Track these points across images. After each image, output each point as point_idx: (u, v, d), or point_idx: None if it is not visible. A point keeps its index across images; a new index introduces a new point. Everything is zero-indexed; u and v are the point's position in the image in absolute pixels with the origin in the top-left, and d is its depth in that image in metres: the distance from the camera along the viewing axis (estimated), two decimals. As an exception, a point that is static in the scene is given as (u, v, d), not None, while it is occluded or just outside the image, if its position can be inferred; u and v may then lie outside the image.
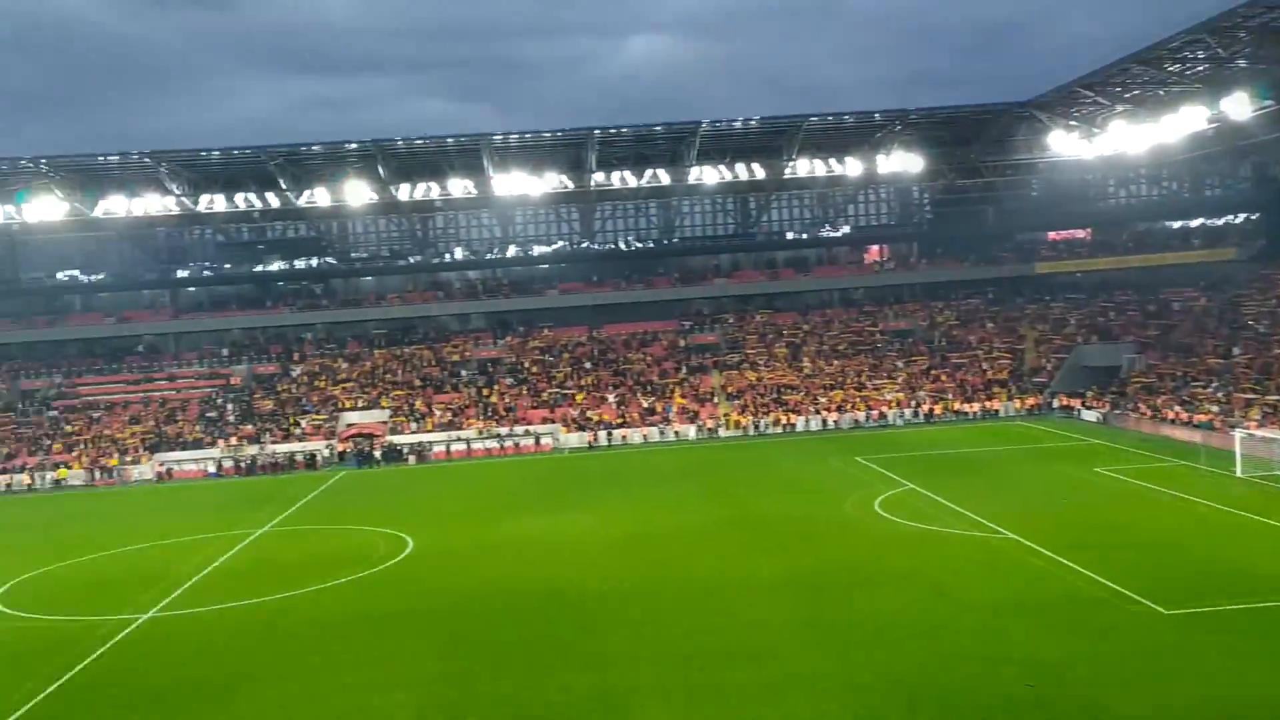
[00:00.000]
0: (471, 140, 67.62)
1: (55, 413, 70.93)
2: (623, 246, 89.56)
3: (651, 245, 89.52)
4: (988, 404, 67.84)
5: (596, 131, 66.72)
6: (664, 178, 71.51)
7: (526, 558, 34.12)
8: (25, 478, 62.34)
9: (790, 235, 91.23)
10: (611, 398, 70.22)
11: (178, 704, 22.35)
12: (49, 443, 66.69)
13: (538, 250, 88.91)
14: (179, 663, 25.23)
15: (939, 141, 72.57)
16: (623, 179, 71.36)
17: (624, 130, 67.86)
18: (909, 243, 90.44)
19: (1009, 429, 61.48)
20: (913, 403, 67.91)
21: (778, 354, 76.05)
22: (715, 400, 70.15)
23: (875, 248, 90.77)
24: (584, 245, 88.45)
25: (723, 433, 66.15)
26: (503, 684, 22.08)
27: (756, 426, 66.44)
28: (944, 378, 71.39)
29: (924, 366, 73.22)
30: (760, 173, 71.23)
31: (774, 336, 78.75)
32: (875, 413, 66.94)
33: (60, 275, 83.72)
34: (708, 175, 71.07)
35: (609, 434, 65.41)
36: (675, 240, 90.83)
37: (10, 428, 69.02)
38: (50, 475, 62.49)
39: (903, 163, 71.13)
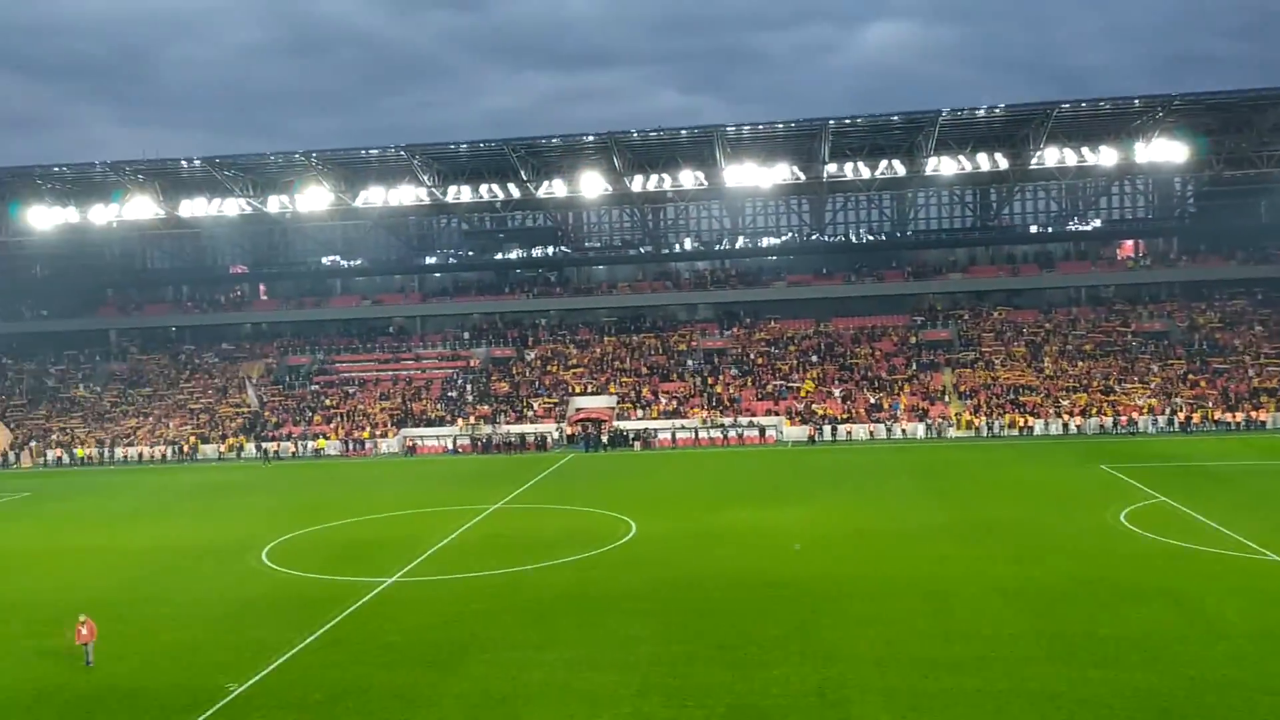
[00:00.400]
0: (704, 132, 68.09)
1: (316, 387, 76.83)
2: (853, 239, 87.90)
3: (883, 238, 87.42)
4: (1253, 414, 62.31)
5: (831, 122, 65.71)
6: (899, 169, 69.62)
7: (746, 548, 34.11)
8: (290, 445, 67.92)
9: (1034, 229, 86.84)
10: (837, 392, 69.15)
11: (414, 662, 23.74)
12: (310, 414, 72.35)
13: (766, 242, 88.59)
14: (417, 625, 26.78)
15: (1206, 129, 67.08)
16: (855, 170, 69.98)
17: (859, 120, 66.48)
18: (1168, 238, 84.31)
19: (1277, 442, 56.22)
20: (1167, 409, 63.24)
21: (1016, 353, 72.64)
22: (946, 399, 67.77)
23: (1129, 243, 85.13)
24: (813, 237, 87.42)
25: (952, 433, 63.87)
26: (720, 673, 22.16)
27: (990, 428, 63.75)
28: (1204, 384, 66.10)
29: (1181, 371, 68.08)
30: (1003, 163, 68.14)
31: (1012, 334, 75.25)
32: (1124, 418, 62.79)
33: (324, 260, 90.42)
34: (946, 166, 68.65)
35: (833, 429, 64.45)
36: (909, 233, 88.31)
37: (278, 399, 75.33)
38: (310, 445, 67.79)
39: (1164, 152, 66.25)
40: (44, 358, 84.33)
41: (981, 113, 65.73)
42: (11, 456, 69.46)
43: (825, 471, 51.64)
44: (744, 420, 66.48)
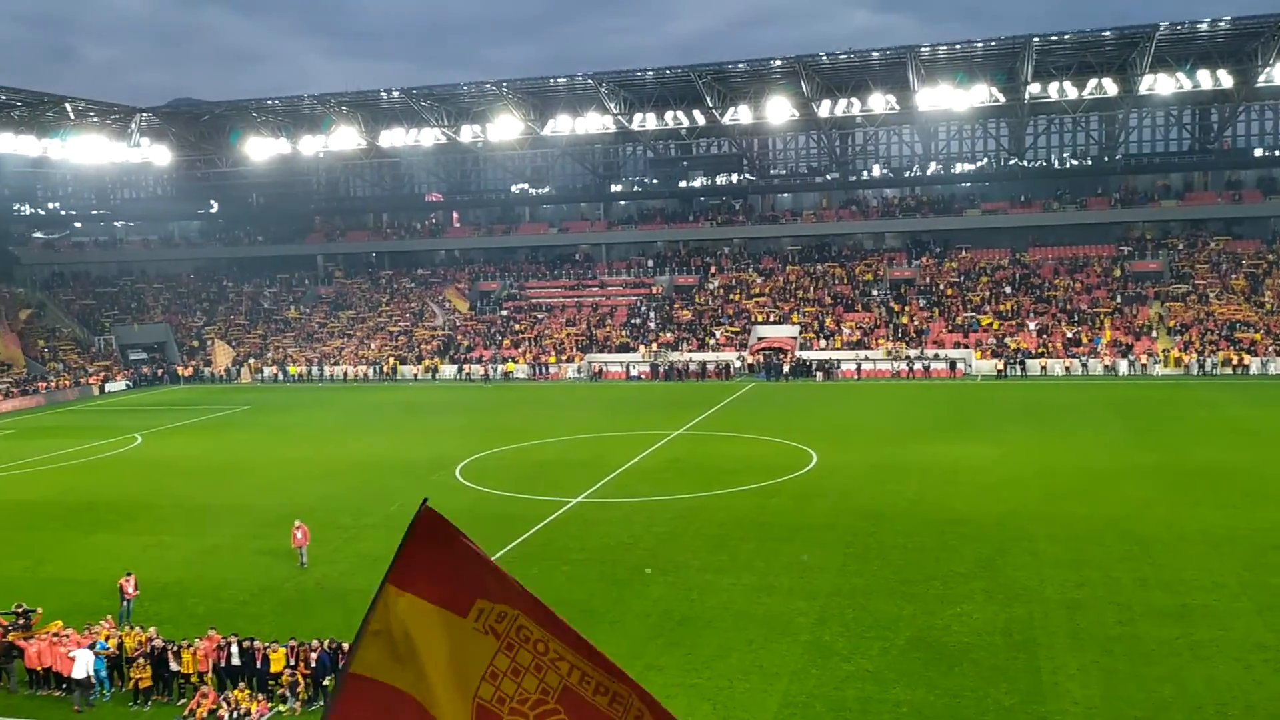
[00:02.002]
0: (897, 53, 65.56)
1: (506, 312, 79.37)
2: (1055, 164, 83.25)
3: (1089, 163, 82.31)
4: None
5: (1035, 40, 62.03)
6: (1109, 88, 65.26)
7: (930, 483, 33.48)
8: (480, 369, 70.66)
9: (1259, 152, 79.91)
10: (1032, 325, 66.30)
11: (598, 579, 24.59)
12: (500, 339, 74.92)
13: (960, 168, 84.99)
14: (601, 545, 27.67)
15: None
16: (1061, 90, 66.02)
17: (1066, 37, 62.43)
18: None
19: None
20: (1406, 351, 57.77)
21: (1234, 286, 67.62)
22: (1153, 334, 63.95)
23: (1372, 167, 77.26)
24: (1011, 162, 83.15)
25: (1158, 370, 60.34)
26: (900, 606, 22.00)
27: (1201, 366, 59.85)
28: None
29: None
30: (1226, 81, 62.90)
31: (1230, 266, 70.00)
32: (1354, 359, 57.77)
33: (514, 188, 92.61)
34: (1162, 85, 63.94)
35: (1023, 363, 61.97)
36: (1118, 157, 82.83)
37: (470, 324, 78.29)
38: (500, 368, 70.31)
39: None
40: (260, 280, 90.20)
41: (1204, 26, 60.58)
42: (233, 372, 75.05)
43: (1017, 407, 49.84)
44: (931, 353, 64.73)
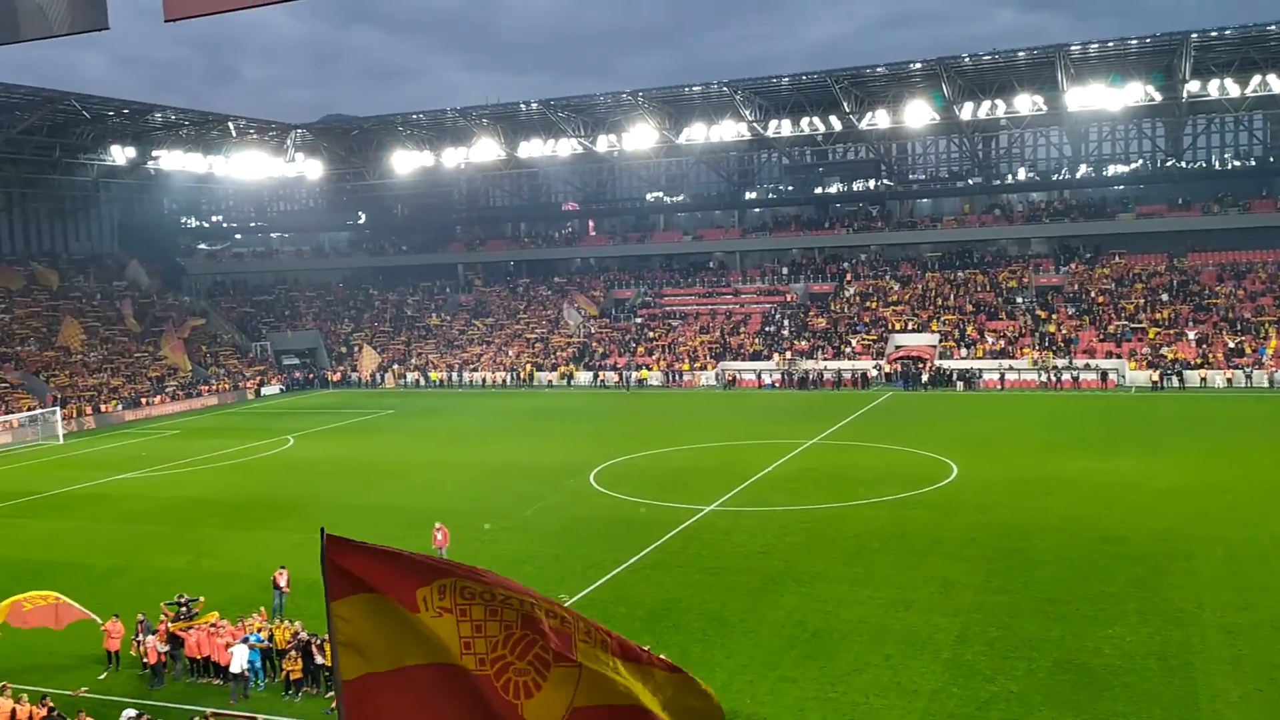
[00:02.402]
0: (1044, 53, 63.39)
1: (639, 319, 79.94)
2: (1216, 165, 79.06)
3: (1253, 163, 77.90)
4: None
5: (1194, 36, 59.08)
6: (1275, 85, 61.61)
7: (1079, 499, 32.15)
8: (614, 375, 71.33)
9: None
10: (1191, 335, 63.04)
11: (731, 588, 24.45)
12: (634, 346, 75.50)
13: (1112, 170, 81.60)
14: (734, 553, 27.53)
15: None
16: (1222, 88, 62.75)
17: (1228, 32, 59.26)
18: None
19: None
20: None
21: None
22: (1324, 345, 60.03)
23: None
24: (1168, 164, 79.38)
25: (1331, 383, 56.56)
26: (1047, 627, 21.17)
27: (1378, 379, 55.88)
28: None
29: None
30: None
31: None
32: None
33: (648, 197, 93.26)
34: (1335, 79, 59.93)
35: (1181, 374, 58.98)
36: (1285, 157, 78.13)
37: (604, 331, 79.15)
38: (634, 375, 70.83)
39: None
40: (404, 288, 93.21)
41: (1385, 14, 56.60)
42: (378, 377, 77.73)
43: (1174, 420, 47.48)
44: (1080, 362, 62.26)
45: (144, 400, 66.16)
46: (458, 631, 5.54)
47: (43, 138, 70.30)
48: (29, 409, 59.46)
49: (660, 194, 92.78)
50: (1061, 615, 21.75)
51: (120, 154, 74.75)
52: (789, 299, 78.17)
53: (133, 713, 17.25)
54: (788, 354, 69.82)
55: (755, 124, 73.39)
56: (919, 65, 66.51)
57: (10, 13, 5.89)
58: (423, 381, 76.48)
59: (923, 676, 19.04)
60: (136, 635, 21.47)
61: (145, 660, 20.93)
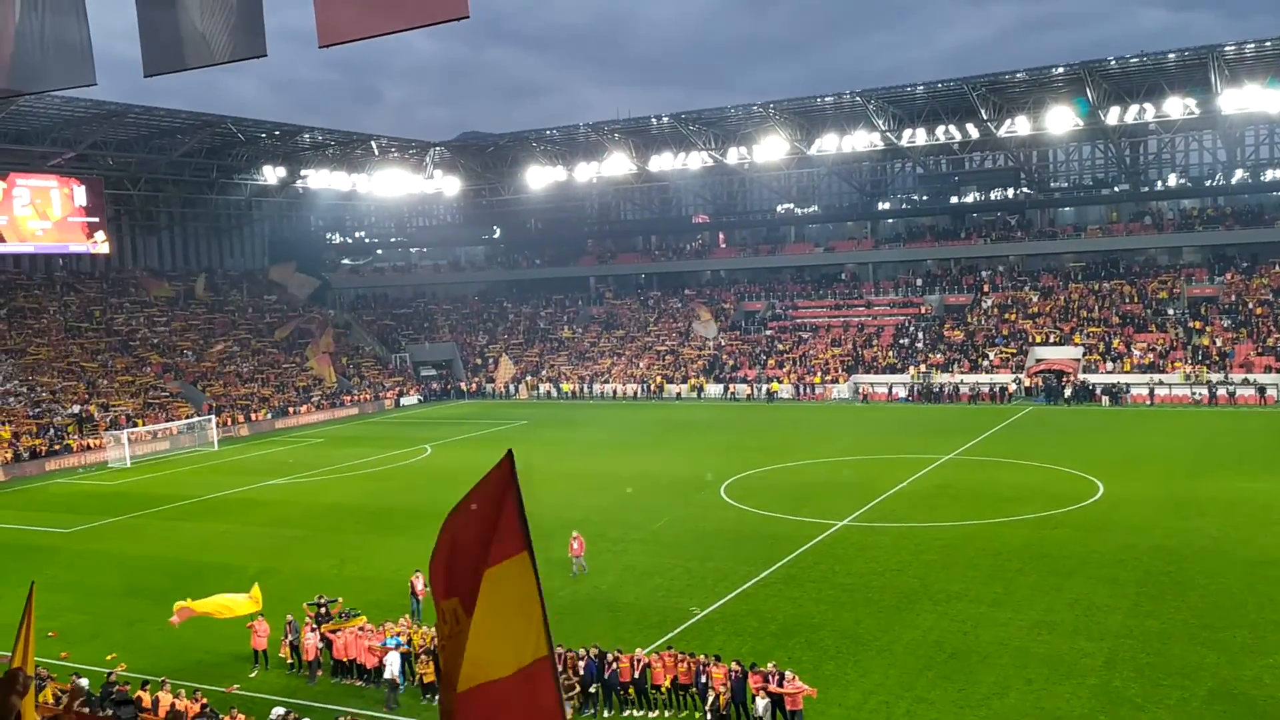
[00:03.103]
0: (1196, 54, 60.56)
1: (770, 332, 79.42)
2: (1388, 167, 74.07)
3: None
4: None
5: (1363, 29, 55.54)
6: None
7: (1234, 521, 30.47)
8: (745, 388, 71.03)
9: None
10: (1360, 348, 59.15)
11: (865, 605, 24.04)
12: (765, 358, 75.05)
13: (1270, 175, 77.19)
14: (868, 570, 27.06)
15: None
16: (1396, 84, 58.75)
17: (1403, 24, 55.51)
18: None
19: None
20: None
21: None
22: None
23: None
24: (1335, 167, 74.77)
25: None
26: (1202, 654, 20.15)
27: None
28: None
29: None
30: None
31: None
32: None
33: (779, 208, 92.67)
34: None
35: (1353, 391, 55.36)
36: None
37: (735, 343, 78.93)
38: (765, 388, 70.37)
39: None
40: (537, 301, 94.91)
41: None
42: (512, 388, 79.30)
43: (1341, 440, 44.57)
44: (1237, 377, 59.04)
45: (291, 409, 69.10)
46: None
47: (201, 159, 74.41)
48: (187, 417, 62.78)
49: (791, 205, 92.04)
50: (1217, 642, 20.67)
51: (272, 174, 78.49)
52: (924, 311, 76.49)
53: (281, 710, 18.00)
54: (922, 367, 68.29)
55: (888, 133, 72.21)
56: (1061, 70, 64.34)
57: (176, 43, 6.23)
58: (555, 393, 77.64)
59: (1068, 703, 18.34)
60: (286, 635, 22.42)
61: (304, 657, 21.89)
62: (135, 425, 59.47)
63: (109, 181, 71.94)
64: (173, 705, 18.28)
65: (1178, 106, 63.89)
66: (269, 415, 67.30)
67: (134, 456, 55.16)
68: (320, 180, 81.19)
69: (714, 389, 72.58)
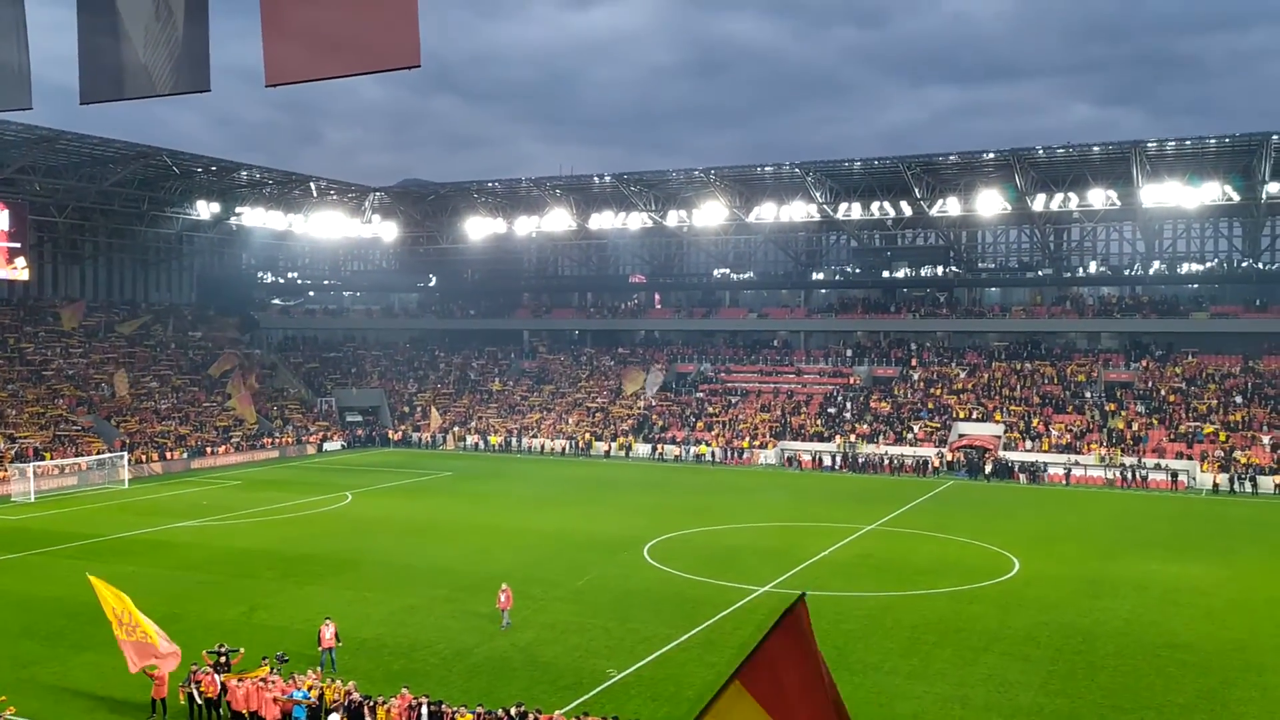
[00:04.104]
0: (1120, 148, 63.09)
1: (701, 394, 79.84)
2: (1295, 267, 77.41)
3: (1335, 267, 76.22)
4: None
5: (1275, 136, 58.38)
6: (1360, 188, 60.45)
7: (1146, 603, 31.14)
8: (674, 449, 71.11)
9: None
10: (1266, 440, 61.26)
11: (784, 676, 23.95)
12: (695, 420, 75.31)
13: (1186, 268, 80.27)
14: (787, 638, 26.98)
15: None
16: (1304, 189, 61.67)
17: (1311, 133, 58.46)
18: None
19: None
20: None
21: None
22: None
23: None
24: (1244, 264, 78.00)
25: None
26: (1109, 733, 20.42)
27: None
28: None
29: None
30: None
31: None
32: None
33: (715, 273, 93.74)
34: None
35: (1255, 480, 57.19)
36: (1368, 262, 76.34)
37: (666, 404, 79.14)
38: (693, 450, 70.52)
39: None
40: (469, 352, 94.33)
41: None
42: (439, 438, 78.38)
43: (1247, 526, 45.92)
44: (1150, 462, 60.73)
45: (209, 449, 67.41)
46: None
47: (133, 190, 73.02)
48: (98, 452, 60.88)
49: (727, 270, 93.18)
50: (1126, 724, 20.96)
51: (205, 209, 77.24)
52: (852, 381, 77.61)
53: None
54: (850, 437, 69.10)
55: (825, 206, 73.73)
56: (992, 155, 66.55)
57: (115, 71, 6.15)
58: (482, 445, 76.91)
59: (978, 779, 18.39)
60: (186, 682, 21.64)
61: (204, 693, 21.13)
62: (42, 459, 57.49)
63: (34, 207, 70.25)
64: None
65: (1101, 197, 66.32)
66: (185, 454, 65.57)
67: (39, 491, 53.23)
68: (255, 218, 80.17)
69: (642, 448, 72.53)
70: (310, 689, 20.79)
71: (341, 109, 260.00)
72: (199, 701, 21.31)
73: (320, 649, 24.36)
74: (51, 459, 57.96)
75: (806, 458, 67.85)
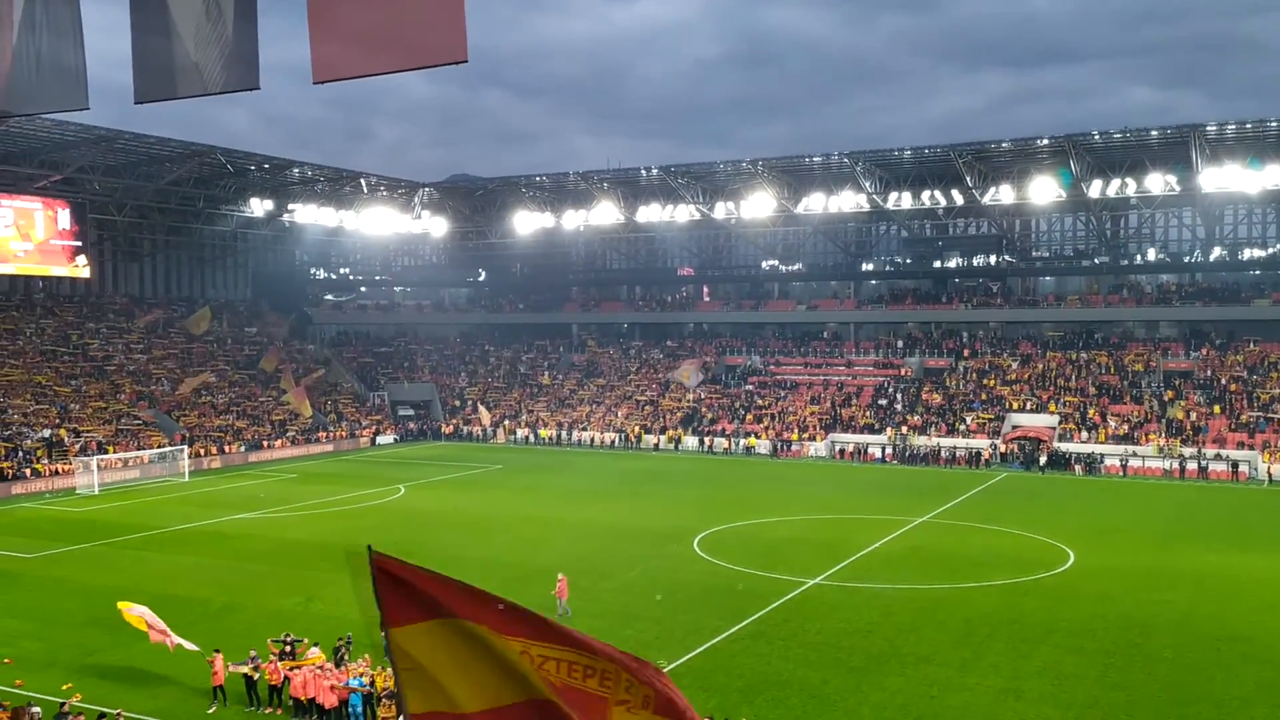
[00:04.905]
0: (1178, 132, 61.79)
1: (750, 387, 79.61)
2: (1362, 252, 75.42)
3: (1404, 251, 74.05)
4: None
5: (1339, 116, 56.90)
6: None
7: (1204, 595, 30.57)
8: (723, 442, 71.03)
9: None
10: (1331, 429, 59.77)
11: (833, 665, 23.91)
12: (744, 413, 75.15)
13: (1248, 254, 78.51)
14: (837, 629, 26.94)
15: None
16: (1370, 171, 59.97)
17: (1378, 113, 56.83)
18: None
19: None
20: None
21: None
22: None
23: None
24: (1309, 249, 76.07)
25: None
26: (1167, 727, 20.11)
27: None
28: None
29: None
30: None
31: None
32: None
33: (764, 264, 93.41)
34: None
35: (1323, 470, 55.80)
36: None
37: (715, 397, 79.05)
38: (742, 442, 70.39)
39: None
40: (519, 346, 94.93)
41: None
42: (490, 432, 79.00)
43: (1310, 518, 44.85)
44: (1210, 452, 59.51)
45: (265, 443, 68.58)
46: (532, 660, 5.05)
47: (188, 189, 74.45)
48: (159, 446, 62.20)
49: (776, 262, 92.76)
50: (1183, 716, 20.66)
51: (259, 206, 78.54)
52: (903, 373, 76.92)
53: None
54: (901, 429, 68.52)
55: (875, 195, 73.09)
56: (1046, 141, 65.48)
57: (168, 70, 6.28)
58: (532, 438, 77.38)
59: (1032, 772, 18.22)
60: (244, 663, 22.16)
61: (269, 681, 21.73)
62: (106, 452, 58.86)
63: (94, 206, 71.87)
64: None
65: (1159, 182, 65.02)
66: (242, 448, 66.76)
67: (103, 484, 54.53)
68: (307, 215, 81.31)
69: (691, 441, 72.53)
70: (363, 675, 21.13)
71: (391, 106, 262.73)
72: (258, 686, 21.82)
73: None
74: (114, 452, 59.33)
75: (855, 449, 67.33)
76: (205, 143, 68.07)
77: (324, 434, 73.42)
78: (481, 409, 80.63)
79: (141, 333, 77.23)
